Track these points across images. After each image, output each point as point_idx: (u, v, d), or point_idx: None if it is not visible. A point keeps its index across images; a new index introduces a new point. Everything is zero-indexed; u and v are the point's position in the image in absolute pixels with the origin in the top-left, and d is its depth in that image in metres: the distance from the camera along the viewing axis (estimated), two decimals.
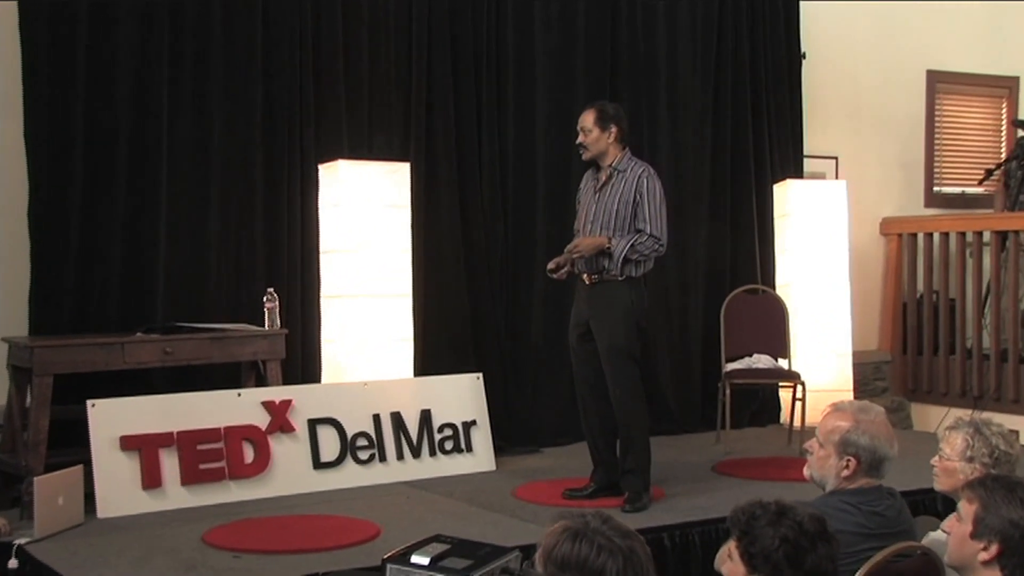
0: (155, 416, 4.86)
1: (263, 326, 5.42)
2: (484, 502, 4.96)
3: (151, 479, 4.76)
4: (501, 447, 5.94)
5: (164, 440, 4.84)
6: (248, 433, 5.05)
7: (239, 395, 5.15)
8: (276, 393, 5.22)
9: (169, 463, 4.82)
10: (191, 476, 4.85)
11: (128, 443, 4.75)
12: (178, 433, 4.88)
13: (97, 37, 5.44)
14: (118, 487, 4.69)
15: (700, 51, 7.14)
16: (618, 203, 4.87)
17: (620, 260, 4.79)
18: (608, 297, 4.87)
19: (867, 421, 3.01)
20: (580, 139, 4.98)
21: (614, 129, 4.93)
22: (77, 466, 4.53)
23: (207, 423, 4.96)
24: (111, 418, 4.77)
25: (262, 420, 5.11)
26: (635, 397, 4.88)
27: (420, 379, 5.76)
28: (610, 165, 4.95)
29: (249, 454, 5.03)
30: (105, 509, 4.63)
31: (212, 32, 5.70)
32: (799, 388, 6.21)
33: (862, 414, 3.02)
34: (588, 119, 4.96)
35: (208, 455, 4.92)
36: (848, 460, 2.99)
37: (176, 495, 4.81)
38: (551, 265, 4.98)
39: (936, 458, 3.27)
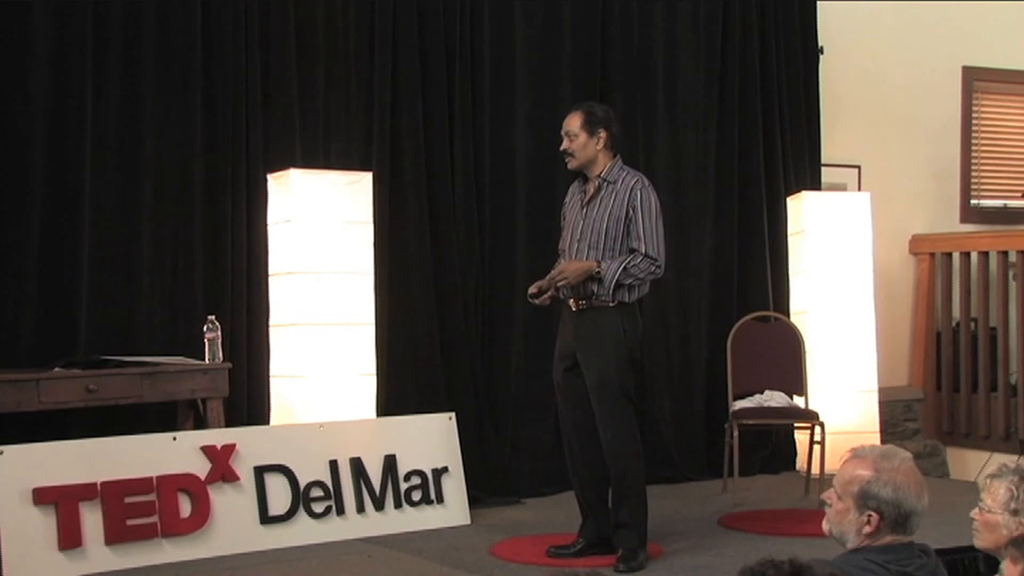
0: (75, 464, 4.80)
1: (203, 359, 5.39)
2: (457, 561, 4.93)
3: (69, 538, 4.69)
4: (477, 498, 5.92)
5: (85, 492, 4.77)
6: (184, 483, 5.00)
7: (174, 439, 5.11)
8: (217, 436, 5.18)
9: (91, 519, 4.75)
10: (117, 534, 4.79)
11: (43, 496, 4.69)
12: (102, 484, 4.82)
13: (6, 24, 5.41)
14: (29, 548, 4.62)
15: (703, 44, 7.17)
16: (608, 219, 4.87)
17: (611, 285, 4.78)
18: (598, 326, 4.86)
19: (890, 470, 2.98)
20: (565, 145, 4.98)
21: (604, 134, 4.94)
22: None
23: (136, 472, 4.91)
24: (23, 467, 4.70)
25: (201, 468, 5.06)
26: (629, 440, 4.86)
27: (384, 420, 5.74)
28: (599, 175, 4.96)
29: (186, 507, 4.98)
30: (14, 574, 4.56)
31: (143, 21, 5.68)
32: (817, 430, 6.20)
33: (884, 461, 2.99)
34: (574, 122, 4.96)
35: (137, 509, 4.86)
36: (869, 515, 2.96)
37: (99, 557, 4.74)
38: (533, 289, 4.98)
39: (976, 510, 3.24)
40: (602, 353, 4.84)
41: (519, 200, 6.61)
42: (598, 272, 4.80)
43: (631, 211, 4.85)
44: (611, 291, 4.80)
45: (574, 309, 4.93)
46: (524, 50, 6.65)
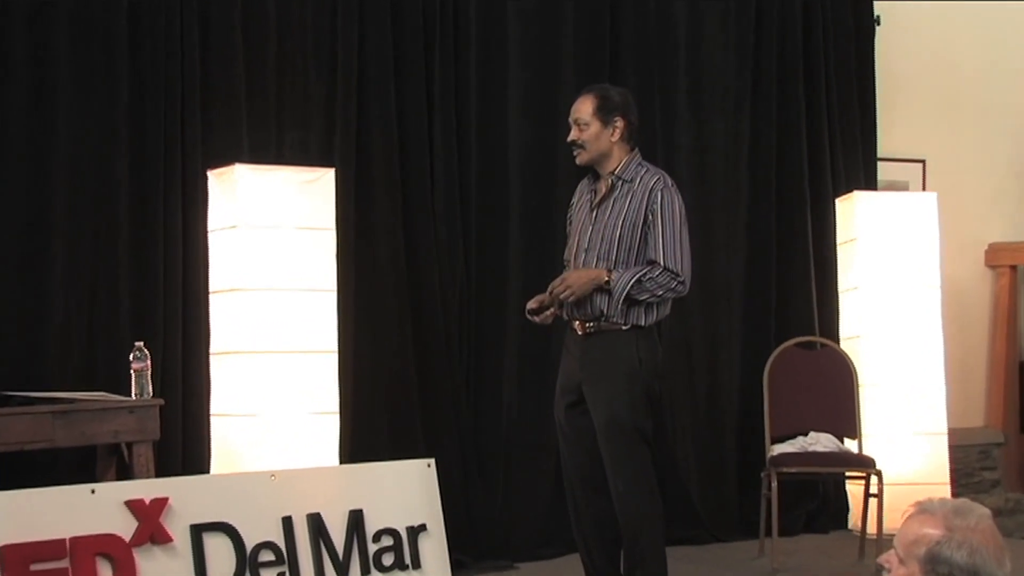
0: None
1: (128, 395, 5.35)
2: None
3: None
4: (461, 562, 5.92)
5: None
6: (105, 546, 4.94)
7: (93, 492, 5.04)
8: (146, 489, 5.13)
9: None
10: None
11: None
12: (4, 547, 4.75)
13: None
14: None
15: (734, 16, 7.21)
16: (622, 224, 4.90)
17: (620, 299, 4.77)
18: (608, 353, 4.87)
19: (965, 528, 2.96)
20: (574, 136, 5.02)
21: (620, 123, 4.97)
22: None
23: (46, 532, 4.85)
24: None
25: (125, 527, 5.00)
26: (645, 492, 4.87)
27: (349, 467, 5.69)
28: (613, 172, 4.99)
29: (106, 575, 4.94)
30: None
31: None
32: (874, 480, 6.20)
33: (957, 519, 2.97)
34: (585, 109, 4.99)
35: None
36: None
37: None
38: (532, 304, 5.01)
39: None
40: (613, 386, 4.85)
41: (512, 203, 6.62)
42: (607, 282, 4.79)
43: (650, 216, 4.88)
44: (620, 305, 4.79)
45: (580, 333, 4.93)
46: (518, 22, 6.67)
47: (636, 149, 5.04)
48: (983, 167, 8.06)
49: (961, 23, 7.98)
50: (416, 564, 5.55)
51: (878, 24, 7.58)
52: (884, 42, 7.62)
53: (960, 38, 7.98)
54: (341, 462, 5.74)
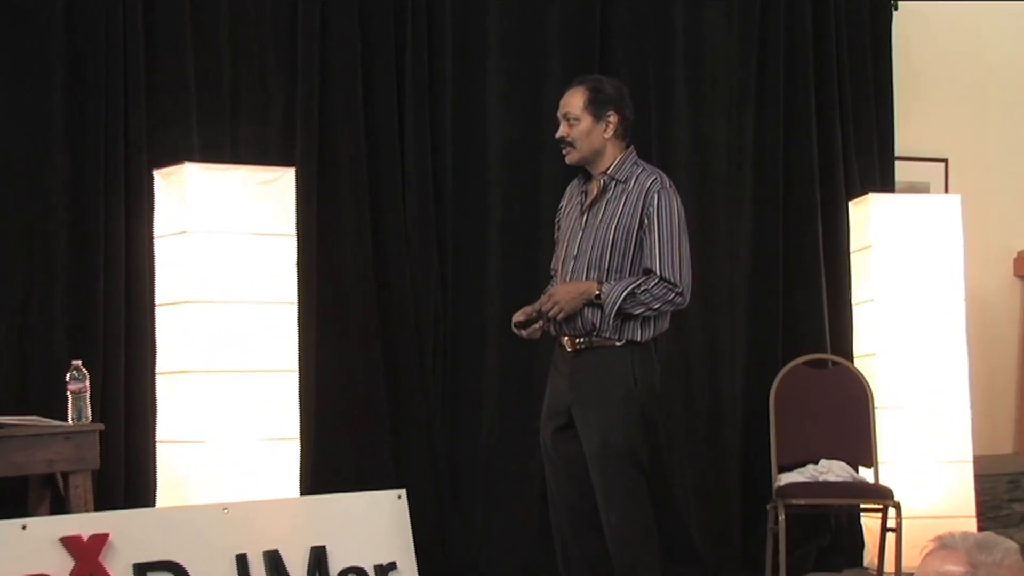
0: None
1: (64, 419, 5.33)
2: None
3: None
4: None
5: None
6: None
7: (24, 528, 5.02)
8: (84, 524, 5.11)
9: None
10: None
11: None
12: None
13: None
14: None
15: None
16: (615, 229, 4.92)
17: (612, 313, 4.77)
18: (600, 372, 4.89)
19: (990, 565, 2.95)
20: (563, 132, 5.04)
21: (614, 118, 5.00)
22: None
23: None
24: None
25: (60, 566, 4.97)
26: (640, 525, 4.89)
27: (310, 499, 5.70)
28: (606, 172, 5.01)
29: None
30: None
31: None
32: (892, 513, 6.20)
33: (981, 554, 2.96)
34: (575, 102, 5.02)
35: None
36: None
37: None
38: (519, 317, 5.03)
39: None
40: (606, 408, 4.86)
41: (492, 206, 6.63)
42: (598, 296, 4.79)
43: (645, 219, 4.91)
44: (612, 320, 4.79)
45: (570, 349, 4.94)
46: (498, 6, 6.68)
47: (631, 147, 5.05)
48: (1011, 167, 8.07)
49: (987, 8, 7.99)
50: None
51: (895, 9, 7.59)
52: (902, 28, 7.62)
53: (986, 25, 8.00)
54: (302, 493, 5.74)
